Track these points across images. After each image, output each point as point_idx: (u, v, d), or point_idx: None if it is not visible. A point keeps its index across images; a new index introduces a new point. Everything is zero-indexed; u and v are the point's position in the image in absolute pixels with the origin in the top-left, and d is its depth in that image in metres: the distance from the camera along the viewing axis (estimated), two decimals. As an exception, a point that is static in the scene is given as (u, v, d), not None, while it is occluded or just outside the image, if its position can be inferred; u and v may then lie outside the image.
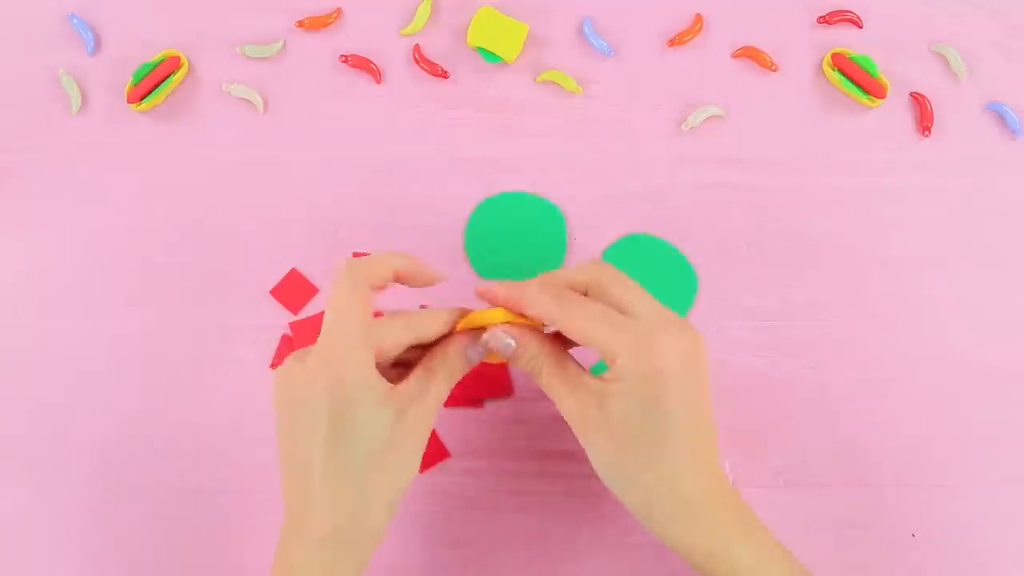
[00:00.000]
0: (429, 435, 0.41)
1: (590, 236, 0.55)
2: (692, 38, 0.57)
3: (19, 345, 0.54)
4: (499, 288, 0.41)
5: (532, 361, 0.41)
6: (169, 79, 0.55)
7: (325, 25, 0.57)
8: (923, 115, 0.56)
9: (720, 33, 0.57)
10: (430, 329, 0.42)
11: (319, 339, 0.40)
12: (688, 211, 0.55)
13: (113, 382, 0.53)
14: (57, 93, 0.56)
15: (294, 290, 0.54)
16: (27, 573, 0.52)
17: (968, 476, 0.53)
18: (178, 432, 0.52)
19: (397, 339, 0.40)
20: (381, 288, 0.42)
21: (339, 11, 0.57)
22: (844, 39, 0.57)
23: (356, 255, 0.54)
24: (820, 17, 0.57)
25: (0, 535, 0.52)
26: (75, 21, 0.56)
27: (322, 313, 0.54)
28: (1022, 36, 0.57)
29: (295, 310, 0.54)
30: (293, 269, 0.54)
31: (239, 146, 0.56)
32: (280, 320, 0.54)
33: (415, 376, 0.41)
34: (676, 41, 0.56)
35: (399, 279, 0.43)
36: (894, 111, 0.56)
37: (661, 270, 0.55)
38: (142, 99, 0.55)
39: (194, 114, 0.56)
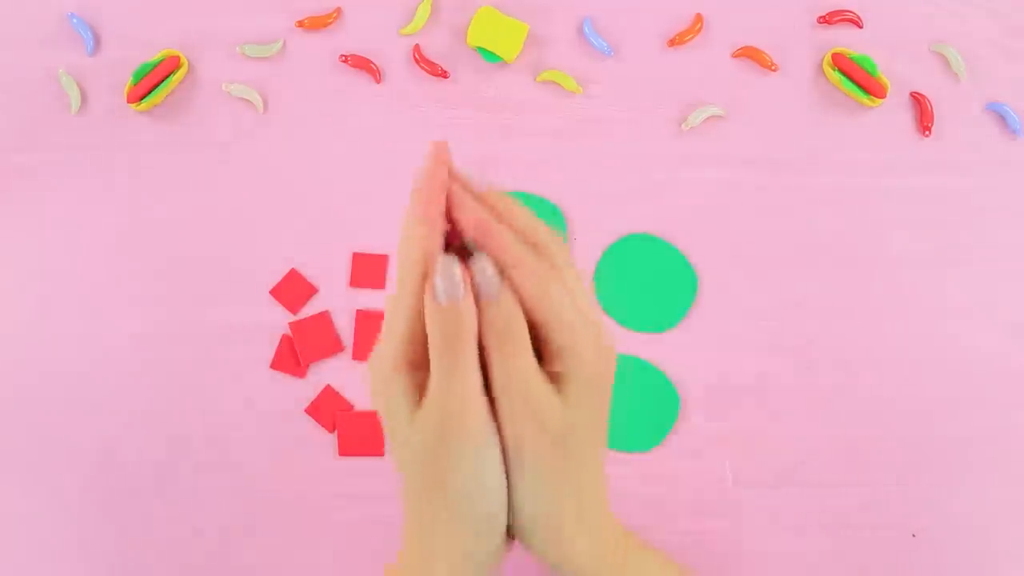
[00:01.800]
0: (461, 413, 0.31)
1: (590, 236, 0.55)
2: (692, 38, 0.57)
3: (19, 345, 0.54)
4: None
5: (509, 322, 0.31)
6: (169, 79, 0.55)
7: (325, 25, 0.57)
8: (923, 115, 0.56)
9: (720, 33, 0.57)
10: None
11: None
12: (688, 211, 0.55)
13: (113, 382, 0.53)
14: (57, 93, 0.56)
15: (294, 290, 0.54)
16: (27, 573, 0.52)
17: (968, 476, 0.53)
18: (178, 431, 0.52)
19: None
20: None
21: (339, 11, 0.57)
22: (844, 39, 0.57)
23: (356, 256, 0.54)
24: (820, 17, 0.57)
25: (0, 535, 0.52)
26: (75, 21, 0.56)
27: (322, 314, 0.54)
28: (1022, 36, 0.57)
29: (295, 310, 0.54)
30: (293, 269, 0.54)
31: (239, 146, 0.56)
32: (280, 320, 0.54)
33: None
34: (676, 41, 0.56)
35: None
36: (894, 111, 0.56)
37: (661, 270, 0.55)
38: (142, 99, 0.55)
39: (194, 114, 0.56)
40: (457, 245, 0.33)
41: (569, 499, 0.33)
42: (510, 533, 0.35)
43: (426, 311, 0.31)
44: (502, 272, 0.31)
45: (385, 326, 0.33)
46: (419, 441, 0.32)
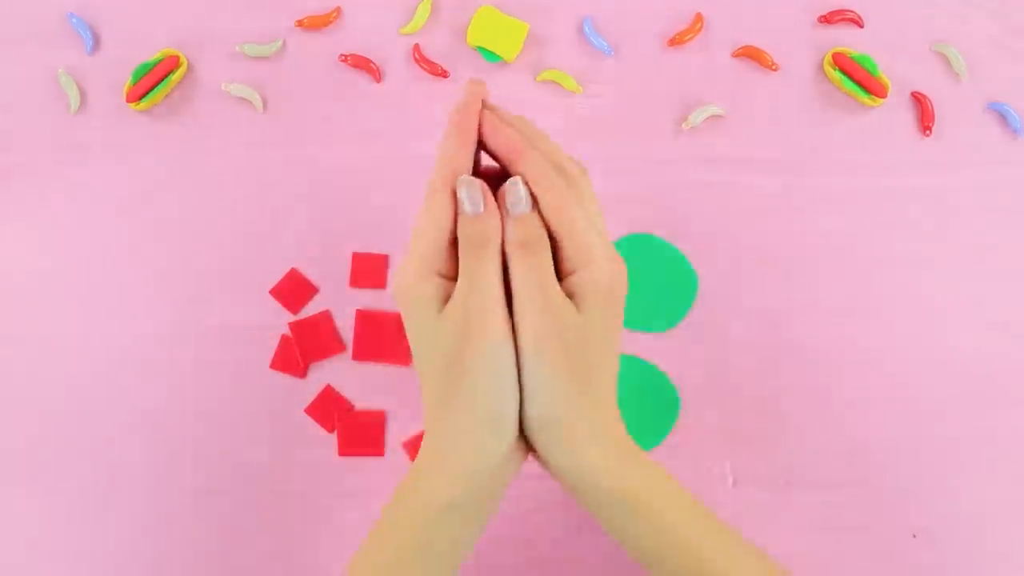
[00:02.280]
0: (479, 318, 0.34)
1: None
2: (692, 37, 0.56)
3: (19, 345, 0.54)
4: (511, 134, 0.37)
5: (536, 233, 0.35)
6: (168, 78, 0.55)
7: (325, 24, 0.56)
8: (924, 115, 0.56)
9: (720, 32, 0.57)
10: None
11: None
12: (688, 211, 0.55)
13: (113, 382, 0.53)
14: (56, 92, 0.56)
15: (294, 290, 0.54)
16: (27, 573, 0.52)
17: (968, 476, 0.53)
18: (178, 432, 0.52)
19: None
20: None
21: (339, 10, 0.57)
22: (845, 38, 0.57)
23: (356, 256, 0.54)
24: (821, 16, 0.57)
25: (0, 534, 0.52)
26: (74, 20, 0.56)
27: (322, 314, 0.54)
28: (1023, 36, 0.57)
29: (295, 310, 0.54)
30: (293, 269, 0.54)
31: (238, 146, 0.56)
32: (280, 320, 0.54)
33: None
34: (676, 40, 0.56)
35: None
36: (895, 111, 0.56)
37: (661, 270, 0.54)
38: (141, 98, 0.54)
39: (193, 114, 0.56)
40: (493, 173, 0.37)
41: (583, 403, 0.35)
42: (525, 439, 0.37)
43: (458, 220, 0.35)
44: (530, 191, 0.35)
45: (413, 238, 0.36)
46: (443, 338, 0.35)
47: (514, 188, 0.35)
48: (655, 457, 0.53)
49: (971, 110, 0.56)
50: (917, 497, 0.53)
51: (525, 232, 0.35)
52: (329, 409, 0.53)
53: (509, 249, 0.35)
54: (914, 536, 0.52)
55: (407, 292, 0.35)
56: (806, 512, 0.53)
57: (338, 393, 0.53)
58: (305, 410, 0.53)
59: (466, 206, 0.35)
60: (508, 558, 0.52)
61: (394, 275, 0.37)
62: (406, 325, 0.36)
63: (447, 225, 0.35)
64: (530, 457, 0.53)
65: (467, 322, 0.34)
